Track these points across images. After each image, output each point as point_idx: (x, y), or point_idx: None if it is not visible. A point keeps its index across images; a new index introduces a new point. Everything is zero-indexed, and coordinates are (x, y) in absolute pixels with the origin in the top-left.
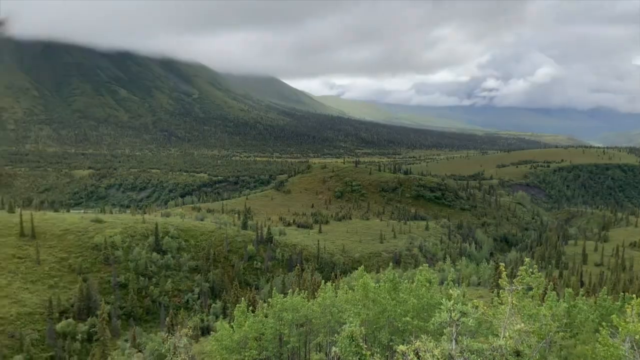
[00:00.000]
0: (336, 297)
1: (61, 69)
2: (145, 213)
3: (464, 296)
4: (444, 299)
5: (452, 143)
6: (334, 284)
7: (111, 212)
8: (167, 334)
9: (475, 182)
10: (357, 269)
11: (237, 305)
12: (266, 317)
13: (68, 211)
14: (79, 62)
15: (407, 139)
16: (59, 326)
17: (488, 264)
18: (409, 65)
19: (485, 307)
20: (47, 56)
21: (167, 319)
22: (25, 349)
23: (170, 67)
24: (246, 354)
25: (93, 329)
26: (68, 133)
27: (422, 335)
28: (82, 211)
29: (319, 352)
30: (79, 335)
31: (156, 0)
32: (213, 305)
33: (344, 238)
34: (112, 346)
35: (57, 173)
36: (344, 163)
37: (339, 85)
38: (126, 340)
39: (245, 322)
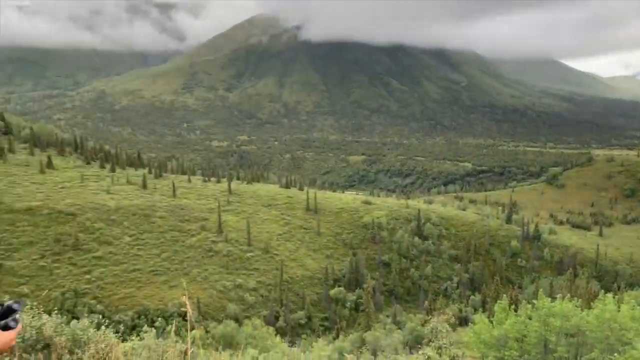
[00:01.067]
0: (619, 311)
1: (343, 65)
2: (409, 198)
3: None
4: None
5: None
6: (616, 296)
7: (379, 196)
8: (429, 317)
9: None
10: None
11: (498, 301)
12: (530, 319)
13: (343, 192)
14: (357, 57)
15: None
16: (332, 292)
17: None
18: None
19: None
20: (333, 54)
21: (426, 302)
22: (306, 307)
23: (440, 56)
24: (506, 353)
25: (360, 300)
26: (346, 122)
27: None
28: (355, 193)
29: None
30: (348, 303)
31: None
32: (472, 297)
33: (632, 245)
34: (374, 318)
35: (336, 158)
36: (638, 156)
37: (636, 64)
38: (387, 316)
39: (505, 320)
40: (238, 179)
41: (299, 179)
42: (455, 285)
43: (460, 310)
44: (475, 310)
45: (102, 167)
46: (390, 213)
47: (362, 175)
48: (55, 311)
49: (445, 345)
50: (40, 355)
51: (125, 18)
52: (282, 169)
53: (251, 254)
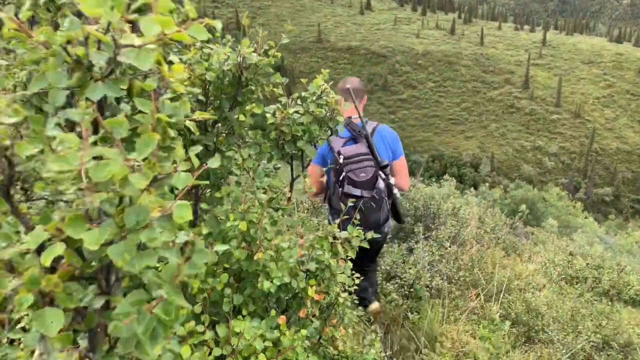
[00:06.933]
0: None
1: None
2: None
3: None
4: None
5: None
6: None
7: None
8: None
9: None
10: None
11: None
12: None
13: None
14: None
15: None
16: None
17: None
18: None
19: None
20: None
21: None
22: (615, 183)
23: None
24: None
25: None
26: None
27: None
28: None
29: None
30: None
31: None
32: None
33: None
34: None
35: None
36: None
37: None
38: None
39: None
40: (556, 28)
41: (637, 31)
42: None
43: None
44: None
45: (414, 9)
46: None
47: None
48: None
49: None
50: None
51: None
52: (615, 19)
53: (558, 115)
